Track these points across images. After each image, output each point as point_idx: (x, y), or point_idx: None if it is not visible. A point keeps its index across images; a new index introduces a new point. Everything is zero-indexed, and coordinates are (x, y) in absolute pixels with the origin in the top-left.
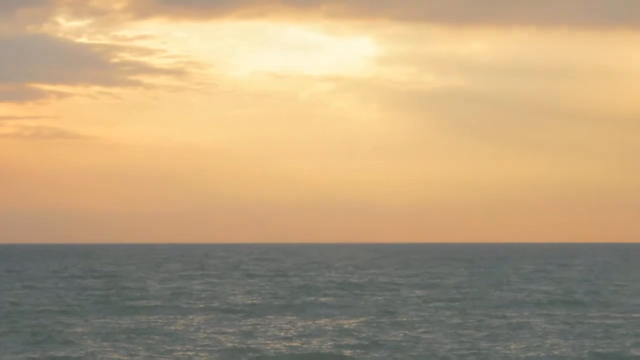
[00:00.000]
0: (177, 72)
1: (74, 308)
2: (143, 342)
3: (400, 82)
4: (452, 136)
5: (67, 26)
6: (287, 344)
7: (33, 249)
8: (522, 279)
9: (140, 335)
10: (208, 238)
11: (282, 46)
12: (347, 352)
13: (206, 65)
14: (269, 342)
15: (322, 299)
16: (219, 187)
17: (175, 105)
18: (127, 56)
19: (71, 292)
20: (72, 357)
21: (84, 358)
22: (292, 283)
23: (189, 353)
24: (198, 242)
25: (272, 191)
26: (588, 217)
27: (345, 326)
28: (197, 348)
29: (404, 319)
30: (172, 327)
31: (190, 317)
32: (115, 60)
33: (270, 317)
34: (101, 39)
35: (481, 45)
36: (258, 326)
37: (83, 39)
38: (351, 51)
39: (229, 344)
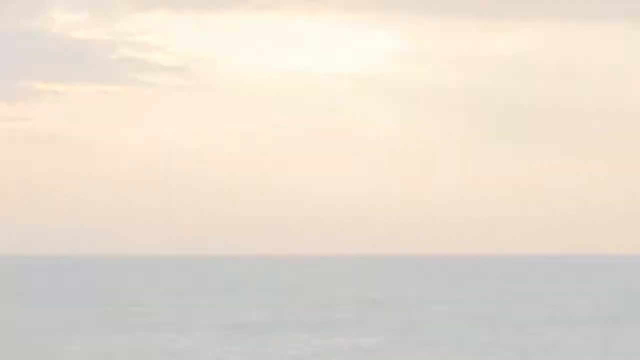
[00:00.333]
0: (180, 70)
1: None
2: None
3: (423, 80)
4: (491, 140)
5: (62, 20)
6: None
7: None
8: (558, 294)
9: (134, 354)
10: (217, 249)
11: (294, 41)
12: None
13: (212, 62)
14: None
15: (339, 315)
16: (226, 196)
17: (177, 105)
18: (126, 52)
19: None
20: None
21: None
22: (305, 298)
23: None
24: (207, 252)
25: (288, 199)
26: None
27: (365, 345)
28: None
29: (428, 337)
30: (176, 346)
31: (196, 334)
32: (114, 57)
33: (282, 334)
34: (99, 34)
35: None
36: (269, 345)
37: (79, 34)
38: (369, 47)
39: None
